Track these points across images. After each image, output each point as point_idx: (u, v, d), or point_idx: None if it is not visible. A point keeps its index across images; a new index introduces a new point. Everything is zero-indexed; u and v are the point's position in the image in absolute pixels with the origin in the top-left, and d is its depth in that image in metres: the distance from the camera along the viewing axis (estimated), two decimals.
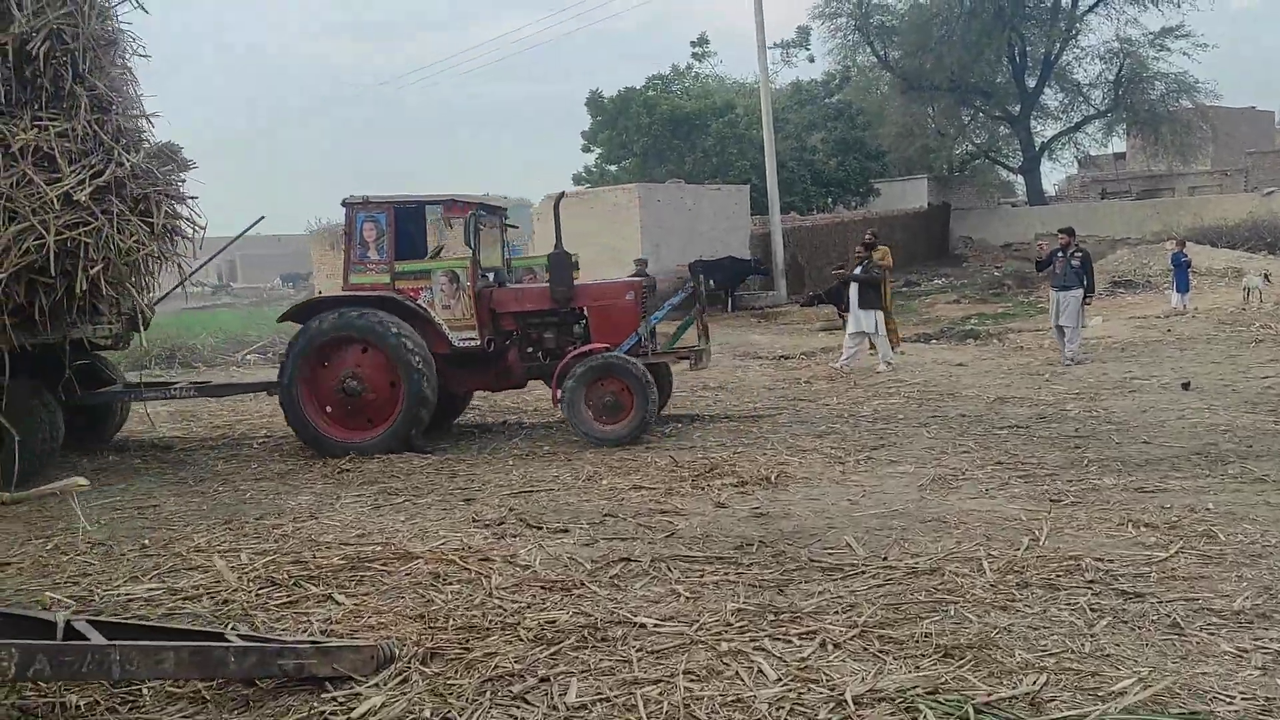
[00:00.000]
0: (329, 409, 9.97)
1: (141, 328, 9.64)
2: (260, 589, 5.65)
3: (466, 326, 10.09)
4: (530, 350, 10.52)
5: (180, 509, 7.89)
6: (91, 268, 8.16)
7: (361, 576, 5.82)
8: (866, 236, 17.58)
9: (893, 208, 37.65)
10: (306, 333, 9.97)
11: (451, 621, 4.96)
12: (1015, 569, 5.48)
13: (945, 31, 36.58)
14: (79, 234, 8.11)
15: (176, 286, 10.44)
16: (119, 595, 5.64)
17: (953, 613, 4.87)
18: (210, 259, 12.07)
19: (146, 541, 6.83)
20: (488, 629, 4.86)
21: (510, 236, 33.84)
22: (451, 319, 10.07)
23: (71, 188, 8.17)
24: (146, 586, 5.79)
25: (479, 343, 10.14)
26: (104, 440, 10.93)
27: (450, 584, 5.62)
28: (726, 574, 5.62)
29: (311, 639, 4.32)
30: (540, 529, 6.75)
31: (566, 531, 6.65)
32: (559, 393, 9.81)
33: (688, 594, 5.30)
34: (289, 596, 5.51)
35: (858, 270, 14.92)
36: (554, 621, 4.93)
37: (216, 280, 67.74)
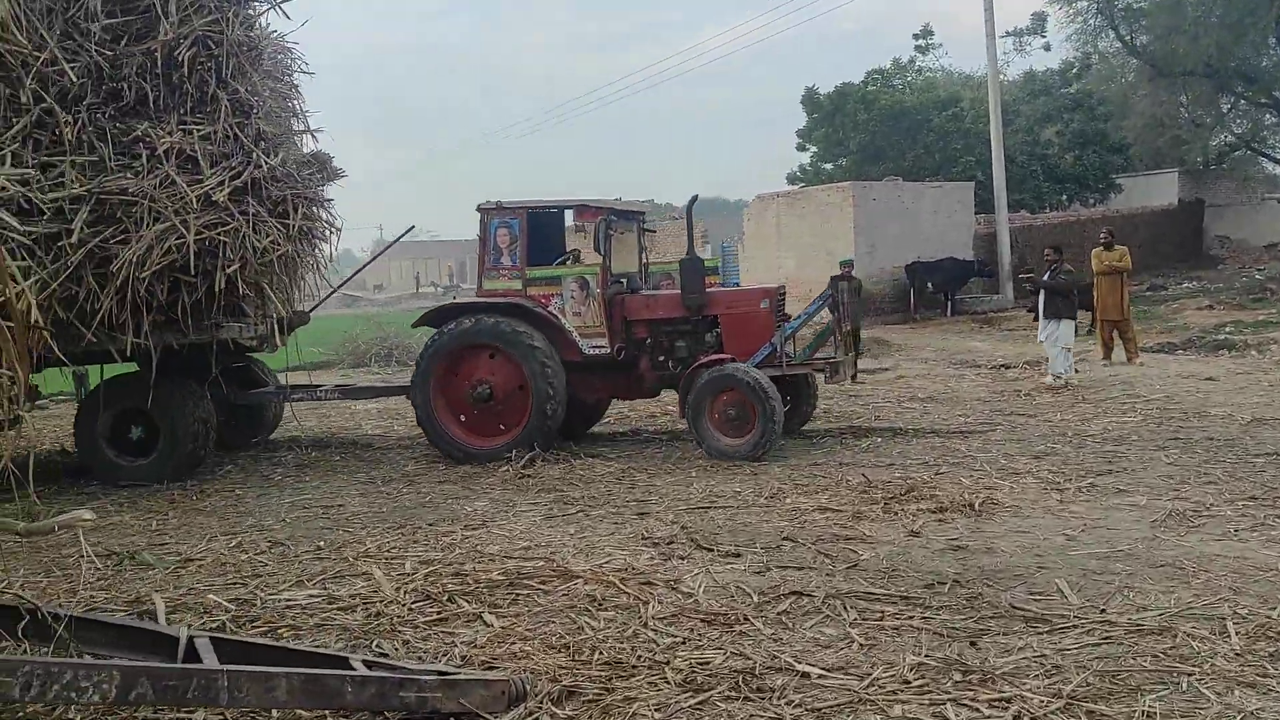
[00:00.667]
0: (460, 415, 9.98)
1: (282, 330, 9.90)
2: (415, 602, 5.47)
3: (597, 334, 9.92)
4: (662, 359, 10.18)
5: (361, 510, 7.92)
6: (228, 267, 8.35)
7: (517, 595, 5.54)
8: (1102, 235, 16.10)
9: (1136, 205, 34.63)
10: (439, 339, 10.00)
11: (597, 655, 4.56)
12: (1269, 634, 4.54)
13: (1202, 11, 33.25)
14: (217, 234, 8.32)
15: (333, 292, 10.67)
16: (279, 600, 5.60)
17: (1185, 687, 4.04)
18: (362, 268, 12.78)
19: (321, 544, 6.85)
20: (634, 667, 4.43)
21: (722, 237, 33.33)
22: (582, 326, 9.93)
23: (211, 189, 8.40)
24: (308, 593, 5.73)
25: (609, 350, 9.96)
26: (259, 439, 11.35)
27: (605, 609, 5.24)
28: (911, 618, 4.96)
29: (439, 670, 4.02)
30: (710, 551, 6.27)
31: (738, 556, 6.14)
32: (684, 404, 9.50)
33: (862, 639, 4.68)
34: (440, 613, 5.28)
35: (1045, 276, 13.60)
36: (707, 663, 4.44)
37: (448, 280, 71.31)
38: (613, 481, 8.58)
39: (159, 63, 8.58)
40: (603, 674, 4.35)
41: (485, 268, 10.18)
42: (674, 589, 5.53)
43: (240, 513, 8.01)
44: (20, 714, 3.53)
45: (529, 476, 8.93)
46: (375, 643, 4.88)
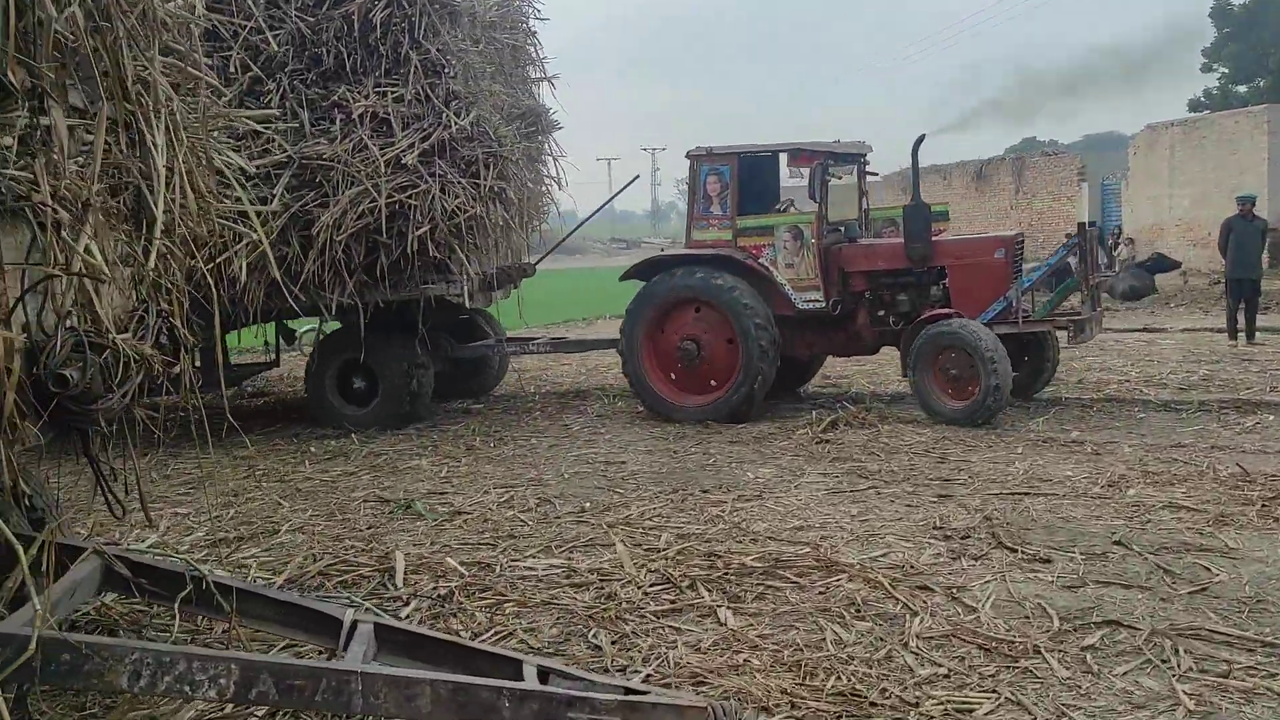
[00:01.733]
0: (668, 370, 9.54)
1: (493, 285, 9.92)
2: (652, 585, 4.90)
3: (811, 286, 9.30)
4: (882, 313, 9.44)
5: (640, 469, 7.50)
6: (418, 229, 8.38)
7: (766, 588, 4.80)
8: None
9: None
10: (646, 292, 9.61)
11: (833, 681, 3.74)
12: None
13: None
14: (406, 197, 8.36)
15: (554, 248, 10.70)
16: (518, 568, 5.25)
17: None
18: (586, 220, 12.69)
19: (587, 505, 6.49)
20: (873, 704, 3.56)
21: (1105, 174, 29.88)
22: (795, 279, 9.33)
23: (402, 151, 8.40)
24: (549, 562, 5.34)
25: (824, 304, 9.30)
26: (485, 390, 11.42)
27: (863, 618, 4.37)
28: (1272, 676, 3.66)
29: (626, 686, 3.41)
30: (1014, 551, 5.15)
31: (1048, 562, 4.98)
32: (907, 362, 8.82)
33: (1194, 703, 3.49)
34: (674, 602, 4.67)
35: None
36: (969, 711, 3.49)
37: None
38: (919, 454, 7.53)
39: (355, 26, 8.63)
40: (830, 709, 3.53)
41: (695, 217, 9.76)
42: (954, 599, 4.54)
43: (526, 464, 7.88)
44: (141, 705, 3.38)
45: (827, 441, 8.09)
46: (593, 632, 4.37)
